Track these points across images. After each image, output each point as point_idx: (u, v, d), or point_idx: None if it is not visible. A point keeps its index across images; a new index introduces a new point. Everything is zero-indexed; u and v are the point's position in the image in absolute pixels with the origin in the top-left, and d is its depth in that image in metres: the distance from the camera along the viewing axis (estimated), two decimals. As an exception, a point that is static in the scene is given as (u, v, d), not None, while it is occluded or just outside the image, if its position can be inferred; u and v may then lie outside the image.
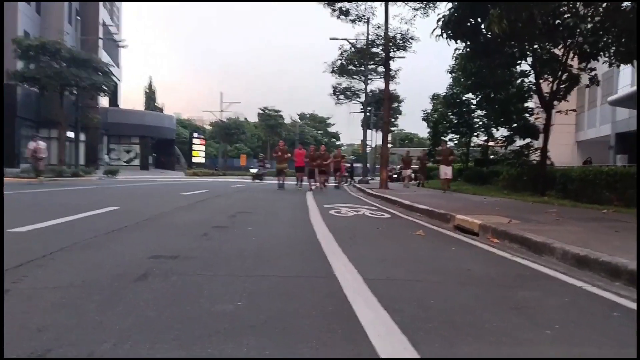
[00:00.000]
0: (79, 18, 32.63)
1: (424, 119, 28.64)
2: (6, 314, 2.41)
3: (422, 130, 63.99)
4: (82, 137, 33.28)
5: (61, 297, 2.74)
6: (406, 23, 20.40)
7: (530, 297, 3.12)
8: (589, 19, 11.55)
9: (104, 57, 35.75)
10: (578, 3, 10.91)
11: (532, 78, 16.59)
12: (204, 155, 65.13)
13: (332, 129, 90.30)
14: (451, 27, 10.09)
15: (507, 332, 2.42)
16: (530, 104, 20.95)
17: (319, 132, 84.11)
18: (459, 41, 11.13)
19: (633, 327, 2.61)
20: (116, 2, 46.75)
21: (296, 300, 2.83)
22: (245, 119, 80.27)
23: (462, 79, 22.13)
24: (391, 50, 19.47)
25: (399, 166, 51.50)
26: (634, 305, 3.01)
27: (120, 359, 1.94)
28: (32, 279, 3.13)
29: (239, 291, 2.98)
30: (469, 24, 10.18)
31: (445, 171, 16.22)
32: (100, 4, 39.48)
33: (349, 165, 28.38)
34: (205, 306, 2.65)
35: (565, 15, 11.48)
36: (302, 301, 2.82)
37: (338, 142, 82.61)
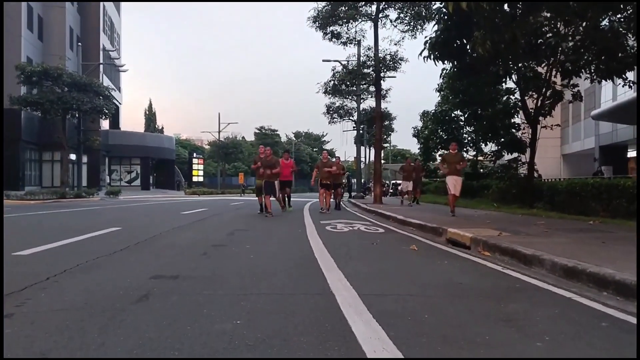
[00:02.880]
0: (80, 44, 32.74)
1: (414, 136, 28.78)
2: (10, 338, 2.40)
3: (414, 146, 64.38)
4: (84, 159, 33.22)
5: (64, 320, 2.72)
6: (395, 44, 20.74)
7: (520, 309, 3.12)
8: (570, 38, 11.72)
9: (105, 81, 35.89)
10: (559, 23, 11.08)
11: (517, 95, 16.77)
12: (202, 175, 65.04)
13: (327, 146, 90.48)
14: (438, 49, 10.22)
15: (498, 345, 2.41)
16: (516, 119, 21.10)
17: (314, 149, 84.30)
18: (445, 61, 11.26)
19: (621, 338, 2.62)
20: (116, 29, 47.03)
21: (294, 318, 2.82)
22: (243, 138, 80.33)
23: (451, 97, 22.31)
24: (381, 70, 19.61)
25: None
26: (621, 315, 3.02)
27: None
28: (36, 302, 3.11)
29: (237, 310, 2.97)
30: (455, 45, 10.31)
31: (455, 183, 11.21)
32: (101, 31, 39.70)
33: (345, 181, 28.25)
34: (205, 326, 2.64)
35: (547, 35, 11.65)
36: (299, 318, 2.81)
37: (333, 159, 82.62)
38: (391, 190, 43.71)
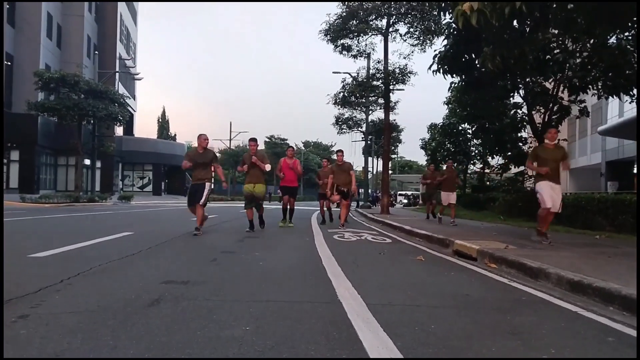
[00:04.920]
0: (97, 52, 33.15)
1: (422, 147, 28.76)
2: (25, 338, 2.42)
3: (421, 158, 64.14)
4: (98, 164, 33.47)
5: (77, 322, 2.74)
6: (405, 58, 20.75)
7: (526, 322, 3.10)
8: (578, 55, 11.71)
9: (120, 89, 36.23)
10: (567, 40, 11.07)
11: (524, 109, 16.72)
12: (213, 182, 65.18)
13: (335, 157, 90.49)
14: (447, 63, 10.23)
15: (504, 357, 2.40)
16: (523, 133, 21.05)
17: (323, 159, 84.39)
18: (454, 75, 11.26)
19: (627, 353, 2.59)
20: (132, 38, 47.58)
21: (302, 325, 2.81)
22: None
23: (458, 110, 22.33)
24: (390, 83, 19.66)
25: (402, 192, 50.80)
26: (627, 330, 2.99)
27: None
28: (50, 304, 3.13)
29: (246, 316, 2.97)
30: (463, 59, 10.33)
31: (552, 193, 7.43)
32: (118, 40, 40.18)
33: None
34: (215, 331, 2.65)
35: (555, 51, 11.64)
36: (307, 326, 2.81)
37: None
38: (405, 201, 43.51)
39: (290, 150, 11.64)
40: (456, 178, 13.70)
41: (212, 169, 8.85)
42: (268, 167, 9.37)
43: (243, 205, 9.91)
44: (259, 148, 9.83)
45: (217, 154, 9.43)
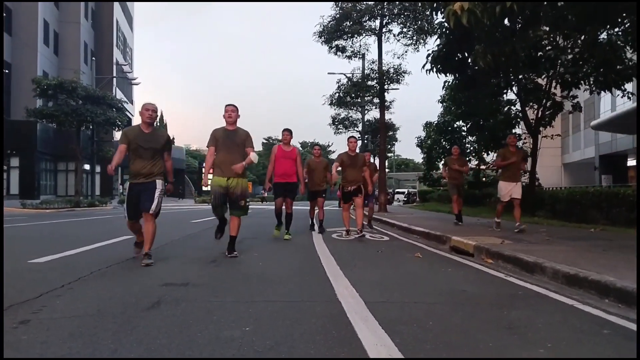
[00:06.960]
0: (94, 59, 33.06)
1: (418, 146, 28.76)
2: (26, 344, 2.41)
3: (417, 156, 64.22)
4: (98, 168, 33.41)
5: (78, 326, 2.72)
6: (398, 58, 20.81)
7: (523, 316, 3.10)
8: (569, 51, 11.73)
9: (118, 94, 36.12)
10: (558, 36, 11.09)
11: (518, 106, 16.72)
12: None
13: (332, 156, 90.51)
14: (440, 62, 10.23)
15: (501, 352, 2.40)
16: (517, 130, 21.08)
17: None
18: (448, 74, 11.27)
19: (622, 344, 2.60)
20: (129, 44, 47.48)
21: (301, 325, 2.81)
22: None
23: (453, 108, 22.31)
24: (385, 83, 19.68)
25: (401, 190, 50.67)
26: (623, 322, 2.99)
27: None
28: (51, 309, 3.12)
29: (245, 317, 2.97)
30: (456, 58, 10.33)
31: None
32: (114, 46, 40.09)
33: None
34: (214, 332, 2.64)
35: (547, 48, 11.65)
36: (306, 326, 2.80)
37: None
38: (405, 199, 43.66)
39: (287, 133, 8.37)
40: (524, 161, 9.27)
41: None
42: (254, 157, 6.03)
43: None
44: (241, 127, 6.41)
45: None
